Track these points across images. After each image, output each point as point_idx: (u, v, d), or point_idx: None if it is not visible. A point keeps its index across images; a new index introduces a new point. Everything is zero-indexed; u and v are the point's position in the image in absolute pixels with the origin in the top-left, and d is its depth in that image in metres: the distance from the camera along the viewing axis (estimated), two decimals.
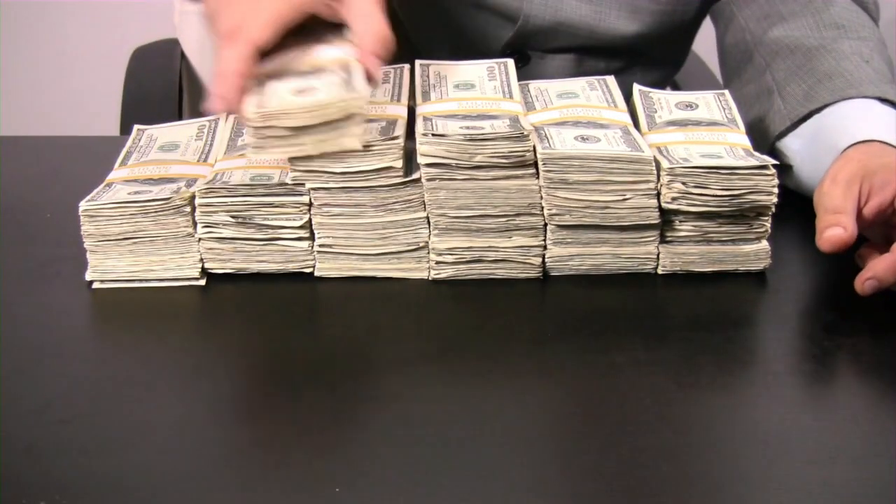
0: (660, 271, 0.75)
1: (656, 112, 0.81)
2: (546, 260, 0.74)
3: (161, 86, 1.28)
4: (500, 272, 0.75)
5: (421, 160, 0.72)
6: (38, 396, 0.62)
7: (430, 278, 0.75)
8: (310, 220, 0.74)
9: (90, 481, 0.55)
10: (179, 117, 1.31)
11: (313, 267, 0.75)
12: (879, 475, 0.55)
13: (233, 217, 0.73)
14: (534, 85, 0.84)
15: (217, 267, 0.75)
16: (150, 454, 0.57)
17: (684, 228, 0.74)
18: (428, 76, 0.82)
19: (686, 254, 0.75)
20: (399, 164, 0.72)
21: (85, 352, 0.68)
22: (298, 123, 0.70)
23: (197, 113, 1.41)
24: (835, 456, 0.57)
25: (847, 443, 0.58)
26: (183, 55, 1.45)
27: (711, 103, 0.82)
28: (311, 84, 0.71)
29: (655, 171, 0.72)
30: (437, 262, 0.74)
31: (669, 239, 0.75)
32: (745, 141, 0.78)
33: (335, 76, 0.71)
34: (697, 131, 0.78)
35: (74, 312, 0.73)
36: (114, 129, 1.29)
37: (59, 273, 0.76)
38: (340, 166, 0.72)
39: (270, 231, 0.74)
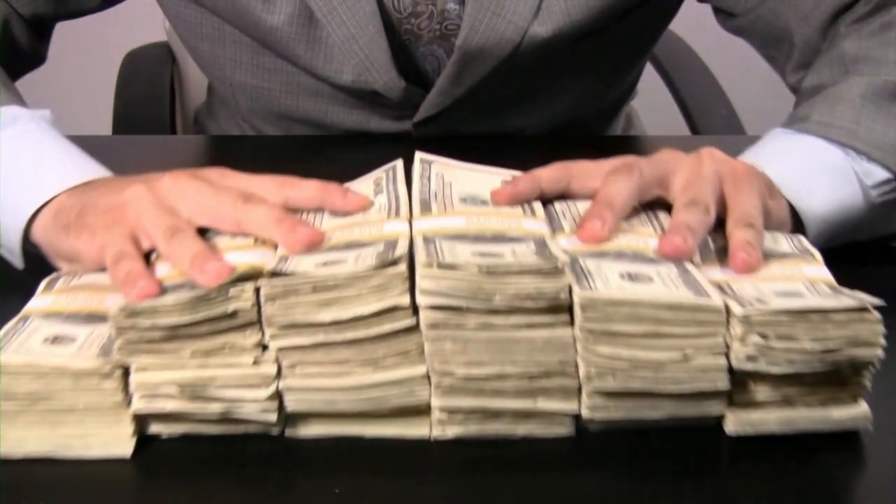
0: (728, 432, 0.58)
1: (707, 240, 0.63)
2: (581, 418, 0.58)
3: (153, 89, 1.29)
4: (522, 430, 0.58)
5: (421, 300, 0.55)
6: None
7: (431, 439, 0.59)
8: (277, 387, 0.57)
9: (90, 481, 0.54)
10: (171, 120, 1.29)
11: (282, 429, 0.58)
12: (880, 475, 0.56)
13: (179, 388, 0.56)
14: (559, 204, 0.67)
15: (162, 430, 0.58)
16: (150, 454, 0.56)
17: (760, 391, 0.57)
18: (429, 178, 0.65)
19: (761, 421, 0.58)
20: (406, 300, 0.55)
21: None
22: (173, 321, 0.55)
23: (187, 116, 1.35)
24: (835, 456, 0.56)
25: (847, 442, 0.57)
26: (174, 59, 1.42)
27: (779, 237, 0.66)
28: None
29: (726, 322, 0.55)
30: (440, 421, 0.58)
31: (739, 402, 0.58)
32: (827, 274, 0.60)
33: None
34: (766, 265, 0.61)
35: None
36: (106, 132, 1.25)
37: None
38: (330, 313, 0.55)
39: (228, 403, 0.56)
